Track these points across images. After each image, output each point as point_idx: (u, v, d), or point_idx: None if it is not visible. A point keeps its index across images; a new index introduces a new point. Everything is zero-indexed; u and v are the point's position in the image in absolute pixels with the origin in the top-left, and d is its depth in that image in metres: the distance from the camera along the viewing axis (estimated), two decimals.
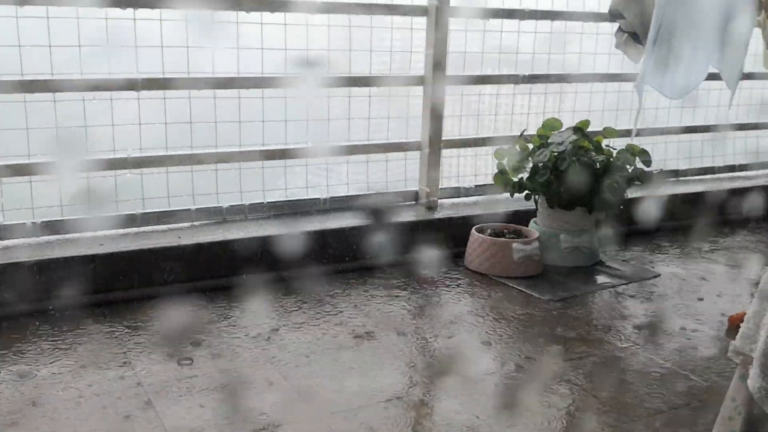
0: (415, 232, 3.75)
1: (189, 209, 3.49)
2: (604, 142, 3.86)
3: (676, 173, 4.90)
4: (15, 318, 2.87)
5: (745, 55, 3.66)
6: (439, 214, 3.91)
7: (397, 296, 3.30)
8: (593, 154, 3.74)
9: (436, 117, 3.89)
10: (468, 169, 4.25)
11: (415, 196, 4.04)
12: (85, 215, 3.28)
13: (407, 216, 3.84)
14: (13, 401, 2.32)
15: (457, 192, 4.17)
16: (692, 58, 3.55)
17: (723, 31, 3.59)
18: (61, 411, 2.27)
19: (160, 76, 3.27)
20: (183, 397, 2.38)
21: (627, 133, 4.12)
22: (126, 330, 2.84)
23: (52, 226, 3.20)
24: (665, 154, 4.87)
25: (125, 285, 3.10)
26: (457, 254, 3.78)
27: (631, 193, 3.84)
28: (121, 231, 3.33)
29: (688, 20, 3.43)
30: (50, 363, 2.56)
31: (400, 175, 4.07)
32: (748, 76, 4.39)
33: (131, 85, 3.20)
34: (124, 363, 2.58)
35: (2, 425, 2.19)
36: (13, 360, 2.58)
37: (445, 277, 3.56)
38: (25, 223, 3.16)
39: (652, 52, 3.47)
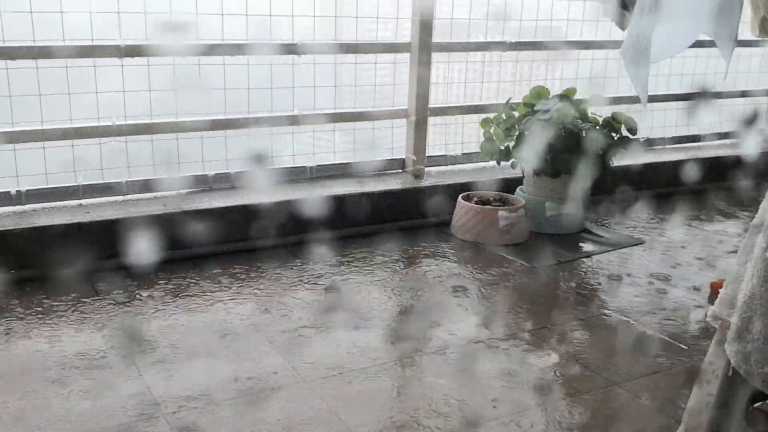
0: (401, 200, 3.76)
1: (174, 177, 3.48)
2: (591, 110, 3.87)
3: (662, 141, 4.92)
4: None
5: (739, 21, 3.67)
6: (425, 182, 3.91)
7: (382, 264, 3.32)
8: (579, 121, 3.74)
9: (422, 85, 3.88)
10: (455, 137, 4.25)
11: (402, 164, 4.04)
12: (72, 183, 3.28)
13: (394, 184, 3.84)
14: None
15: (444, 160, 4.17)
16: (679, 23, 3.55)
17: None
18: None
19: (144, 42, 3.23)
20: None
21: (615, 101, 4.13)
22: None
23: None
24: (652, 122, 4.88)
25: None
26: (443, 222, 3.80)
27: (616, 161, 3.86)
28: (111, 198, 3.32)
29: None
30: None
31: (386, 143, 4.07)
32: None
33: (115, 52, 3.17)
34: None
35: None
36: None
37: (432, 245, 3.57)
38: (9, 192, 3.15)
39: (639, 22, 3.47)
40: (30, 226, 3.00)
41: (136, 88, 3.35)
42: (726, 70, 3.95)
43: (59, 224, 3.03)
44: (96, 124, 3.25)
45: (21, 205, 3.16)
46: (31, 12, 3.02)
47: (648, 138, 4.81)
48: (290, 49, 3.57)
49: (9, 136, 3.09)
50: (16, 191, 3.15)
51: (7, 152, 3.11)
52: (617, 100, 4.35)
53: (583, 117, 3.78)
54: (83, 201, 3.28)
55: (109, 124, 3.27)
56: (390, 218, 3.71)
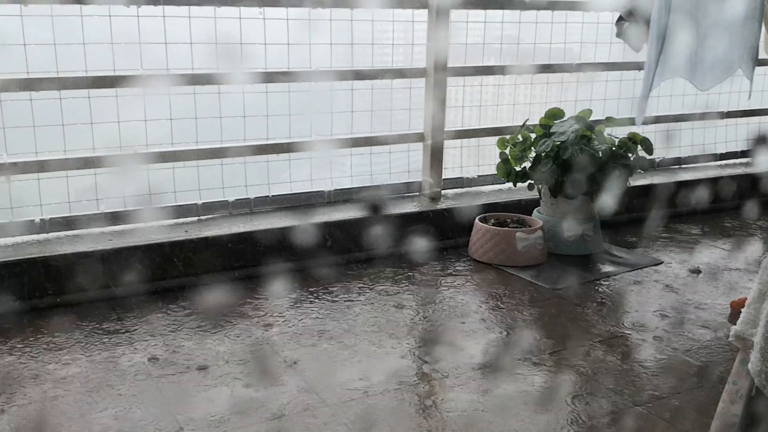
0: (418, 223, 3.78)
1: (195, 204, 3.52)
2: (606, 131, 3.88)
3: (678, 161, 4.91)
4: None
5: (759, 41, 3.71)
6: (442, 205, 3.93)
7: (402, 287, 3.33)
8: (595, 143, 3.76)
9: (438, 108, 3.91)
10: (471, 160, 4.27)
11: (419, 187, 4.07)
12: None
13: (411, 207, 3.87)
14: None
15: (461, 182, 4.20)
16: (722, 51, 3.62)
17: (739, 19, 3.65)
18: None
19: (165, 72, 3.29)
20: None
21: (630, 122, 4.15)
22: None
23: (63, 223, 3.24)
24: (667, 142, 4.89)
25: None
26: (461, 244, 3.81)
27: (633, 181, 3.86)
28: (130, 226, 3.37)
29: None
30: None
31: (403, 166, 4.10)
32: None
33: (136, 81, 3.23)
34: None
35: None
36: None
37: (450, 268, 3.59)
38: (33, 220, 3.20)
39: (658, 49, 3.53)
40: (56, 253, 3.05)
41: (156, 117, 3.41)
42: (750, 88, 3.99)
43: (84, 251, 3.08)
44: (118, 153, 3.30)
45: (45, 233, 3.20)
46: (55, 44, 3.09)
47: (665, 158, 4.81)
48: (305, 76, 3.62)
49: (33, 165, 3.14)
50: (40, 219, 3.20)
51: (32, 181, 3.16)
52: (633, 121, 4.36)
53: (600, 138, 3.80)
54: (105, 229, 3.32)
55: (131, 152, 3.32)
56: (407, 241, 3.73)
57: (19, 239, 3.15)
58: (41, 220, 3.20)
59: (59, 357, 2.61)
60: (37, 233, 3.19)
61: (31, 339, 2.73)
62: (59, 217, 3.24)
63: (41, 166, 3.16)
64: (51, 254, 3.02)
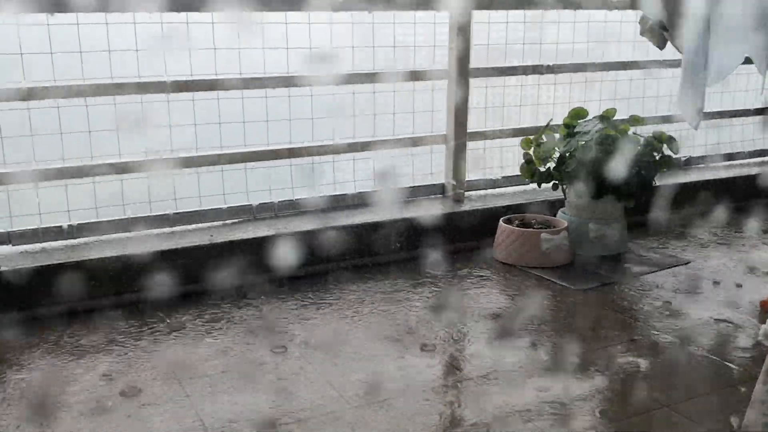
0: (442, 225, 3.77)
1: (220, 208, 3.55)
2: (631, 130, 3.85)
3: (703, 160, 4.86)
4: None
5: None
6: (466, 207, 3.92)
7: (426, 288, 3.33)
8: (620, 142, 3.72)
9: (460, 110, 3.91)
10: (494, 161, 4.26)
11: (442, 189, 4.06)
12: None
13: (434, 209, 3.86)
14: None
15: (484, 184, 4.18)
16: (727, 42, 3.53)
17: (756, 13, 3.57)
18: None
19: (189, 78, 3.32)
20: None
21: (654, 120, 4.11)
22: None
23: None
24: (694, 140, 4.84)
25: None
26: (485, 246, 3.80)
27: (659, 181, 3.82)
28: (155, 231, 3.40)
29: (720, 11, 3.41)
30: None
31: (426, 168, 4.10)
32: None
33: (160, 88, 3.26)
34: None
35: None
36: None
37: (474, 269, 3.57)
38: (61, 226, 3.24)
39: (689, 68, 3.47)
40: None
41: (181, 123, 3.43)
42: (763, 85, 3.91)
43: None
44: (143, 159, 3.33)
45: (73, 238, 3.24)
46: (81, 52, 3.13)
47: (691, 156, 4.76)
48: (328, 79, 3.63)
49: (59, 172, 3.18)
50: (68, 225, 3.24)
51: (59, 188, 3.20)
52: (658, 120, 4.33)
53: (624, 137, 3.76)
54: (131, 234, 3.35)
55: (156, 157, 3.35)
56: (431, 243, 3.72)
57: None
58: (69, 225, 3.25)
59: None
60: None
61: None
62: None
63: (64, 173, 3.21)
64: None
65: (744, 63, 3.57)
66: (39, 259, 3.05)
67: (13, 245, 3.15)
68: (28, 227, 3.18)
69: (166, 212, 3.43)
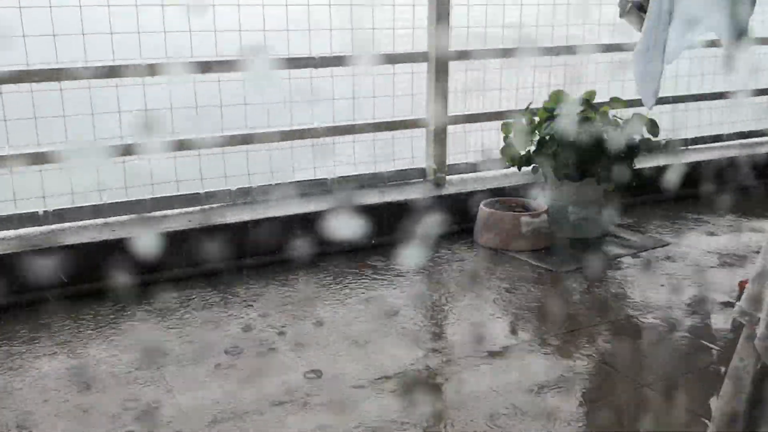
0: (423, 209, 3.76)
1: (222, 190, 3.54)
2: (611, 113, 3.85)
3: (684, 141, 4.87)
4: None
5: (750, 15, 3.63)
6: (447, 191, 3.91)
7: (408, 273, 3.32)
8: (600, 125, 3.73)
9: (440, 93, 3.89)
10: (475, 145, 4.24)
11: (423, 173, 4.05)
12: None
13: (415, 193, 3.84)
14: None
15: (465, 167, 4.17)
16: (681, 25, 3.54)
17: None
18: None
19: (191, 59, 3.28)
20: None
21: (635, 103, 4.11)
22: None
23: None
24: (673, 123, 4.84)
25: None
26: (466, 230, 3.79)
27: (638, 163, 3.83)
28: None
29: None
30: None
31: (406, 152, 4.08)
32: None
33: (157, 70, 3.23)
34: None
35: None
36: None
37: (455, 253, 3.57)
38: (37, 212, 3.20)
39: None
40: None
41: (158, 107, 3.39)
42: (727, 64, 3.85)
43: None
44: (121, 143, 3.29)
45: (48, 224, 3.20)
46: (104, 34, 3.08)
47: (670, 139, 4.77)
48: (307, 62, 3.60)
49: (34, 157, 3.13)
50: (43, 211, 3.20)
51: (34, 173, 3.15)
52: (638, 102, 4.32)
53: (604, 120, 3.76)
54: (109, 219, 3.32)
55: (131, 143, 3.30)
56: (412, 227, 3.71)
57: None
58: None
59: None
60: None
61: None
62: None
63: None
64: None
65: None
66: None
67: None
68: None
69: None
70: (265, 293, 3.07)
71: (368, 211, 3.62)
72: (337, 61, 3.70)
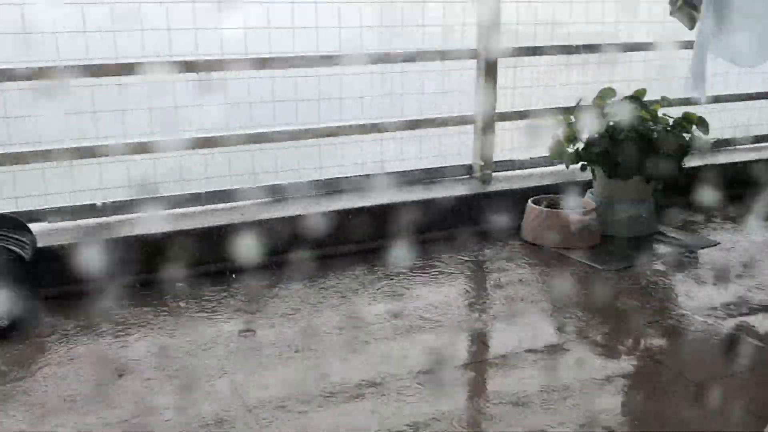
0: (469, 206, 3.78)
1: (252, 187, 3.57)
2: (661, 111, 3.83)
3: (732, 142, 4.82)
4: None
5: None
6: (493, 187, 3.92)
7: (454, 270, 3.34)
8: (650, 123, 3.71)
9: (489, 90, 3.89)
10: (523, 142, 4.24)
11: (470, 169, 4.06)
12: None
13: (462, 190, 3.86)
14: None
15: (512, 165, 4.17)
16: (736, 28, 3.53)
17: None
18: None
19: (220, 57, 3.33)
20: None
21: (684, 102, 4.08)
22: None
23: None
24: (721, 122, 4.79)
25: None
26: (513, 227, 3.80)
27: (688, 162, 3.80)
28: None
29: None
30: None
31: (453, 149, 4.09)
32: None
33: (191, 67, 3.27)
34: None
35: None
36: None
37: (502, 250, 3.58)
38: (95, 204, 3.28)
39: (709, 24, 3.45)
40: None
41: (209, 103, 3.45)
42: None
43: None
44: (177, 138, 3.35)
45: (106, 216, 3.28)
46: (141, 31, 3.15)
47: (720, 138, 4.72)
48: (355, 59, 3.64)
49: (93, 150, 3.21)
50: (102, 203, 3.28)
51: (93, 165, 3.23)
52: (688, 101, 4.29)
53: (654, 118, 3.74)
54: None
55: (186, 137, 3.37)
56: (458, 224, 3.73)
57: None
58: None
59: None
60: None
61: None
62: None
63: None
64: None
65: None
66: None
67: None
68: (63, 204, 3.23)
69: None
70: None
71: (414, 207, 3.63)
72: (384, 57, 3.73)
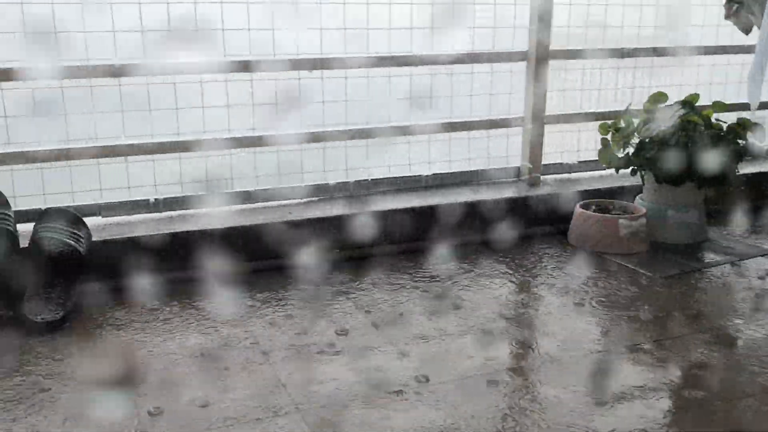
0: (517, 209, 3.76)
1: (299, 186, 3.60)
2: (714, 116, 3.77)
3: None
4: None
5: None
6: (541, 191, 3.90)
7: (501, 273, 3.33)
8: (702, 128, 3.65)
9: (538, 92, 3.87)
10: (572, 145, 4.21)
11: (517, 172, 4.04)
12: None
13: (509, 192, 3.85)
14: None
15: (560, 168, 4.15)
16: None
17: None
18: None
19: (249, 58, 3.36)
20: None
21: (738, 107, 4.01)
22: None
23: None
24: None
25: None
26: (560, 231, 3.77)
27: (742, 169, 3.74)
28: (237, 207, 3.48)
29: None
30: None
31: (501, 151, 4.08)
32: None
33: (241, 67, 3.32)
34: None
35: None
36: None
37: (549, 254, 3.56)
38: (148, 200, 3.34)
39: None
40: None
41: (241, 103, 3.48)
42: None
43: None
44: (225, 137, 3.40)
45: (159, 212, 3.34)
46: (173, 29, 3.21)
47: None
48: (405, 60, 3.65)
49: (148, 147, 3.28)
50: (155, 199, 3.34)
51: (147, 162, 3.30)
52: (744, 106, 4.21)
53: (707, 123, 3.69)
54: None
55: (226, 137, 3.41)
56: (506, 226, 3.72)
57: None
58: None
59: None
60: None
61: None
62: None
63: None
64: None
65: None
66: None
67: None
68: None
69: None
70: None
71: (461, 208, 3.63)
72: (433, 59, 3.73)
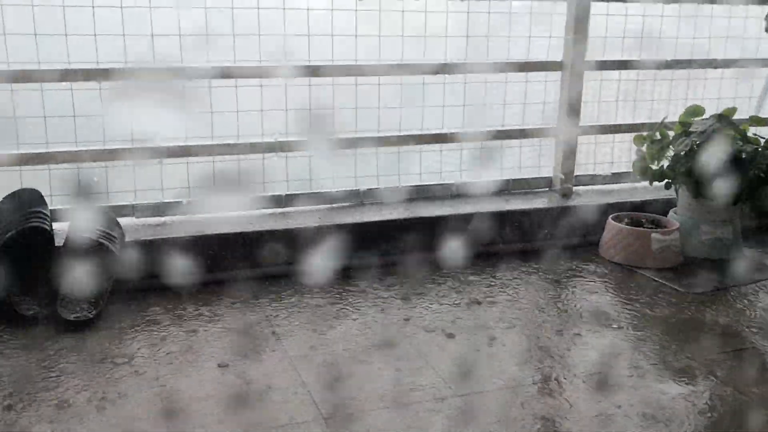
0: (548, 219, 3.74)
1: (330, 191, 3.62)
2: (751, 131, 3.71)
3: None
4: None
5: None
6: (574, 202, 3.87)
7: (530, 284, 3.31)
8: (739, 143, 3.60)
9: (573, 102, 3.85)
10: (605, 157, 4.18)
11: (549, 182, 4.02)
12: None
13: (541, 203, 3.82)
14: None
15: (593, 179, 4.12)
16: None
17: None
18: None
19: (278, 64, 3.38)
20: None
21: None
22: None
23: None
24: None
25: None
26: (591, 243, 3.74)
27: None
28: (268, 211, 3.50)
29: None
30: None
31: (534, 161, 4.06)
32: None
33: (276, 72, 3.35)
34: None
35: None
36: None
37: (579, 266, 3.53)
38: (180, 202, 3.38)
39: None
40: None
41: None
42: None
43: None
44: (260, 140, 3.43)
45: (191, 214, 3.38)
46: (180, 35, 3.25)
47: None
48: (442, 68, 3.65)
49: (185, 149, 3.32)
50: (187, 201, 3.38)
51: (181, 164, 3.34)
52: None
53: (744, 137, 3.63)
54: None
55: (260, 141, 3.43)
56: (536, 237, 3.69)
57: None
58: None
59: None
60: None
61: None
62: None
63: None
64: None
65: None
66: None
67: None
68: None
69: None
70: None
71: (491, 218, 3.62)
72: (468, 68, 3.72)
